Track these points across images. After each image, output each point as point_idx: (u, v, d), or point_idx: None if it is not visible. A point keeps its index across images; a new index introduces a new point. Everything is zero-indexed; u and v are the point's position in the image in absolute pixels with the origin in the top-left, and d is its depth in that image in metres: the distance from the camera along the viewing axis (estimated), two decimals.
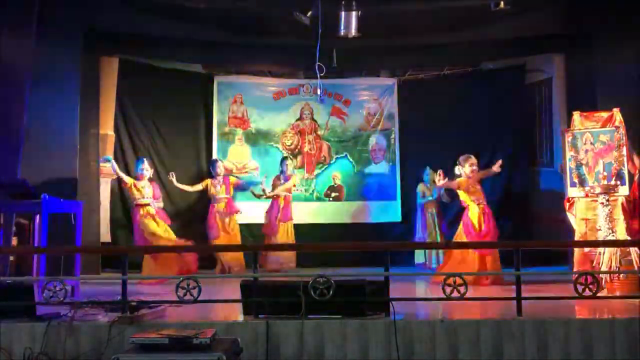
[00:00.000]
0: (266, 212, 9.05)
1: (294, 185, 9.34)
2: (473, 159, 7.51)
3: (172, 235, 7.93)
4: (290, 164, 9.34)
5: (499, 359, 4.30)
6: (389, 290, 4.58)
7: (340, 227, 9.90)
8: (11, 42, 6.67)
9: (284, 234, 8.83)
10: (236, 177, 9.40)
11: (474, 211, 7.34)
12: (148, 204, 7.88)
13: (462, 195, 7.48)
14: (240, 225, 9.02)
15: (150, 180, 8.10)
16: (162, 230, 7.84)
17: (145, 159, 8.29)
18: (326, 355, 4.30)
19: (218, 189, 8.72)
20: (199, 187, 8.76)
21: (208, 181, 8.79)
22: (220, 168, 8.84)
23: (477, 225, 7.27)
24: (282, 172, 9.15)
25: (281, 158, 9.50)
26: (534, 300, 4.97)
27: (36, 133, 6.95)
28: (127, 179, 8.02)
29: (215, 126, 10.05)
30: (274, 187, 9.05)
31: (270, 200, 9.02)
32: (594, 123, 6.77)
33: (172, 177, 8.61)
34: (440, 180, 7.59)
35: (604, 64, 7.70)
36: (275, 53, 8.90)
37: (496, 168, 7.47)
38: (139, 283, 6.94)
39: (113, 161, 8.24)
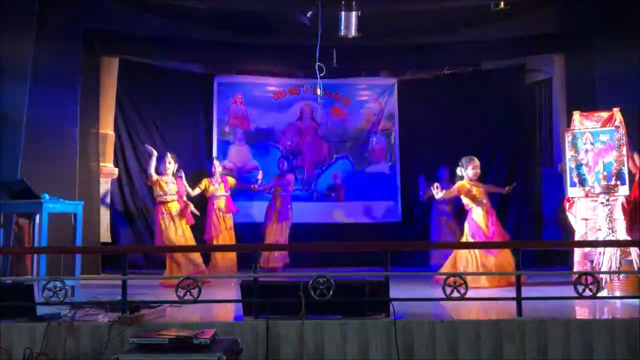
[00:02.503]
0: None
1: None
2: (476, 162, 7.31)
3: (190, 240, 7.66)
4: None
5: (499, 359, 4.30)
6: (389, 290, 4.59)
7: (340, 227, 9.90)
8: (11, 42, 6.66)
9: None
10: (234, 179, 9.20)
11: (478, 213, 7.18)
12: (169, 201, 7.58)
13: (465, 200, 7.33)
14: (242, 225, 9.00)
15: (175, 176, 7.74)
16: (179, 234, 7.53)
17: (168, 153, 7.83)
18: (326, 355, 4.30)
19: (217, 187, 8.48)
20: (197, 190, 8.39)
21: (206, 181, 8.51)
22: (215, 167, 8.55)
23: (484, 228, 7.09)
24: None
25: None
26: (534, 300, 4.98)
27: (36, 133, 6.94)
28: (154, 176, 7.63)
29: (215, 126, 10.06)
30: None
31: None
32: (594, 123, 6.76)
33: None
34: (438, 193, 7.38)
35: (604, 64, 7.70)
36: (275, 53, 8.90)
37: (508, 189, 7.46)
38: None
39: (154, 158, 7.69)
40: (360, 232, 9.77)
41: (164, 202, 7.57)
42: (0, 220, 6.18)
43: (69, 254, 6.35)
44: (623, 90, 7.34)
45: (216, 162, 8.67)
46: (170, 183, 7.62)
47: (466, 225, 7.28)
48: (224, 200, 8.50)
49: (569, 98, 8.50)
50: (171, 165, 7.69)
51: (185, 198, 7.84)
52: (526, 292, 4.74)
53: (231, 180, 8.82)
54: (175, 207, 7.61)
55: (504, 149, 9.80)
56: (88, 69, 8.03)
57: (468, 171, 7.30)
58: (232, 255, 8.35)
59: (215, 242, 8.32)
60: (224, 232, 8.42)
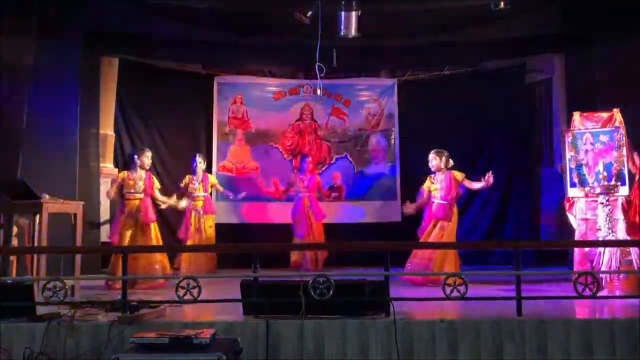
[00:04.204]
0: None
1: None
2: (430, 155, 7.52)
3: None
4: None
5: (499, 359, 4.30)
6: (389, 290, 4.59)
7: (340, 227, 9.89)
8: (11, 42, 6.67)
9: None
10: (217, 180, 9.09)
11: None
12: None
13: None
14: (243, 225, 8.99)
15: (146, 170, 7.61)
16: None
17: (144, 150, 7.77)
18: (326, 355, 4.31)
19: (196, 186, 8.29)
20: (174, 198, 8.12)
21: (187, 177, 8.35)
22: (197, 164, 8.33)
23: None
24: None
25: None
26: (534, 300, 4.98)
27: (36, 133, 6.94)
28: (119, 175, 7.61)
29: (215, 126, 10.05)
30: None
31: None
32: (594, 123, 6.77)
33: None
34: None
35: (604, 64, 7.70)
36: (275, 53, 8.89)
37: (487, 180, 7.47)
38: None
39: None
40: (361, 232, 9.76)
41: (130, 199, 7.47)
42: (0, 220, 6.18)
43: (69, 254, 6.35)
44: (623, 91, 7.34)
45: (199, 159, 8.40)
46: (139, 180, 7.49)
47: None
48: (201, 201, 8.35)
49: (569, 98, 8.50)
50: (147, 160, 7.57)
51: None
52: (526, 292, 4.74)
53: (213, 180, 8.71)
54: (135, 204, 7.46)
55: (504, 149, 9.79)
56: (88, 69, 8.02)
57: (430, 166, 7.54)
58: (205, 259, 8.17)
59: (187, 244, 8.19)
60: (198, 233, 8.23)
